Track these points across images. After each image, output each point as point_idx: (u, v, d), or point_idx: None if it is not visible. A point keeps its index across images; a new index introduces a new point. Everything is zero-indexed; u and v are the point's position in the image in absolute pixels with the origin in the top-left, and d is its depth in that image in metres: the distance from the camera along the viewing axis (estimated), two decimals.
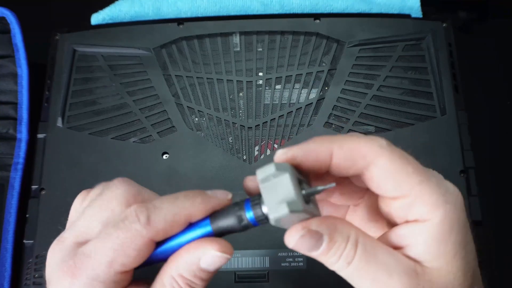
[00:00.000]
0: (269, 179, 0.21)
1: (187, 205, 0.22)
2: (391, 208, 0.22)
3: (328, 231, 0.21)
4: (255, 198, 0.22)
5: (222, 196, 0.23)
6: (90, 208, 0.23)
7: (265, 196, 0.21)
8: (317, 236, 0.21)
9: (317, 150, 0.22)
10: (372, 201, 0.25)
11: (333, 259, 0.21)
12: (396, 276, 0.20)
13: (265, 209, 0.21)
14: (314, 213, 0.21)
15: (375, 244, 0.21)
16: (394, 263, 0.21)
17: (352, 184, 0.24)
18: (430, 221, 0.21)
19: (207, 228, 0.22)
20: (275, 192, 0.20)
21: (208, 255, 0.22)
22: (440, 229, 0.21)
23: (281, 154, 0.22)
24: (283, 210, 0.20)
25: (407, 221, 0.22)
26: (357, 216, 0.26)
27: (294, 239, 0.21)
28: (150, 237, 0.21)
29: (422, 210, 0.21)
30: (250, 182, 0.23)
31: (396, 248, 0.22)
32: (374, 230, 0.25)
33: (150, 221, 0.21)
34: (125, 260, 0.21)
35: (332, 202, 0.26)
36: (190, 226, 0.23)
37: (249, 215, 0.22)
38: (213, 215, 0.23)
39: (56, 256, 0.22)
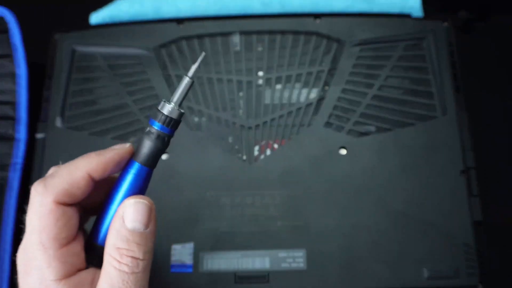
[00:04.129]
0: None
1: (82, 163, 0.23)
2: None
3: None
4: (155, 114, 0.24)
5: (118, 147, 0.24)
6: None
7: None
8: None
9: None
10: None
11: None
12: None
13: (166, 110, 0.23)
14: None
15: None
16: None
17: None
18: None
19: (134, 165, 0.24)
20: None
21: (127, 210, 0.23)
22: None
23: None
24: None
25: None
26: None
27: None
28: (54, 200, 0.22)
29: None
30: None
31: None
32: None
33: (46, 187, 0.22)
34: (51, 234, 0.22)
35: None
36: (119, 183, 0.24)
37: (156, 125, 0.23)
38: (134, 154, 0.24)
39: (18, 257, 0.23)
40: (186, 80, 0.24)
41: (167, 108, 0.23)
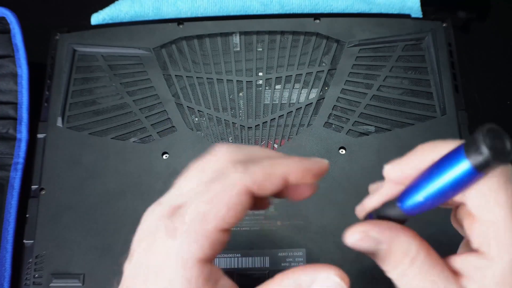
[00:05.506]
0: None
1: (284, 162, 0.22)
2: (468, 226, 0.22)
3: (387, 241, 0.21)
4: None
5: (317, 160, 0.23)
6: (190, 171, 0.22)
7: None
8: (375, 242, 0.21)
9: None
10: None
11: (388, 267, 0.21)
12: None
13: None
14: None
15: (434, 265, 0.21)
16: None
17: None
18: (495, 263, 0.20)
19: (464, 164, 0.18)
20: None
21: (325, 280, 0.21)
22: (503, 274, 0.20)
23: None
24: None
25: (475, 250, 0.21)
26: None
27: (352, 239, 0.22)
28: (246, 185, 0.20)
29: (492, 246, 0.20)
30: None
31: (457, 274, 0.21)
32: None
33: (247, 170, 0.20)
34: (219, 213, 0.20)
35: None
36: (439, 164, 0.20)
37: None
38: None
39: (153, 217, 0.21)
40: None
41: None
